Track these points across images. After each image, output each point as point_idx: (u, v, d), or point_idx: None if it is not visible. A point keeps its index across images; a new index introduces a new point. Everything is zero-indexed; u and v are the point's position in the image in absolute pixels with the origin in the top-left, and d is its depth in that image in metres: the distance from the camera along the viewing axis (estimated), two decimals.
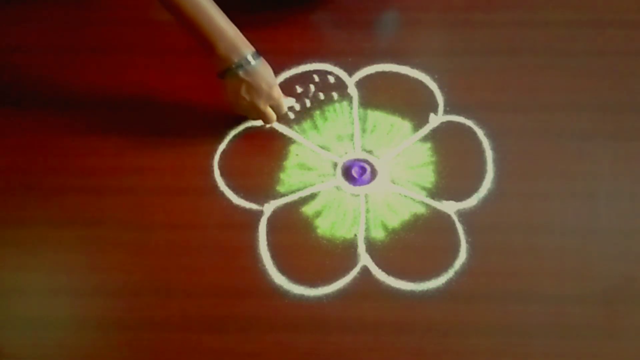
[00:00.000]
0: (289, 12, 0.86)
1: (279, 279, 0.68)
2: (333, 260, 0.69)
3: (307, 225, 0.71)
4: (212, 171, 0.75)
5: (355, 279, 0.68)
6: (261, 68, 0.70)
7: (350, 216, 0.72)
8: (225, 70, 0.70)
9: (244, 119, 0.77)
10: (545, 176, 0.73)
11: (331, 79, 0.81)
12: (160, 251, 0.70)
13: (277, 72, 0.80)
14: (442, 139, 0.76)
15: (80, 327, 0.67)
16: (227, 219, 0.72)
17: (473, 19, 0.85)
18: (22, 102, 0.80)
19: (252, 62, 0.69)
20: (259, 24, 0.83)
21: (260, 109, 0.72)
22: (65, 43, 0.85)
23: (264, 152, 0.76)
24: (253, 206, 0.73)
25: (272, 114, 0.74)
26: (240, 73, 0.69)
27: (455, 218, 0.71)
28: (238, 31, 0.69)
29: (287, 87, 0.79)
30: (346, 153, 0.76)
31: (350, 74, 0.81)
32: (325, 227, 0.71)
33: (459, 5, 0.86)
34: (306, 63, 0.82)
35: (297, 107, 0.79)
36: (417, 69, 0.80)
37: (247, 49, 0.69)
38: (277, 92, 0.73)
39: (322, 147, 0.76)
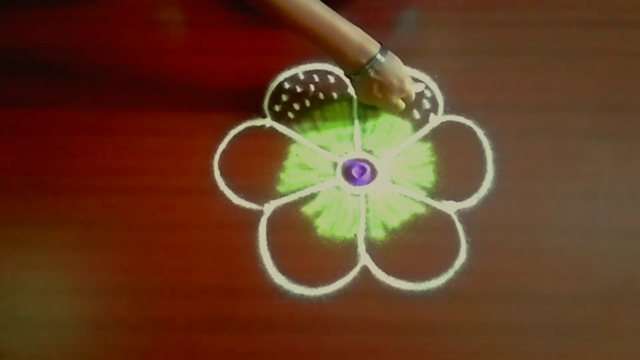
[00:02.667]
0: None
1: (279, 279, 0.68)
2: (333, 260, 0.69)
3: (307, 225, 0.71)
4: (212, 171, 0.75)
5: (355, 279, 0.68)
6: (390, 64, 0.70)
7: (350, 216, 0.72)
8: (355, 73, 0.70)
9: (244, 118, 0.77)
10: (545, 176, 0.73)
11: (331, 79, 0.81)
12: (160, 251, 0.70)
13: (277, 72, 0.81)
14: (442, 139, 0.76)
15: (80, 327, 0.67)
16: (227, 219, 0.72)
17: (473, 19, 0.85)
18: (22, 102, 0.80)
19: (382, 60, 0.69)
20: (260, 24, 0.83)
21: (393, 103, 0.73)
22: (65, 43, 0.84)
23: (264, 152, 0.76)
24: (253, 206, 0.73)
25: (402, 104, 0.74)
26: (371, 73, 0.69)
27: (455, 218, 0.71)
28: (361, 31, 0.69)
29: (287, 87, 0.80)
30: (346, 153, 0.76)
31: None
32: (325, 227, 0.71)
33: (459, 5, 0.86)
34: (306, 63, 0.82)
35: (297, 107, 0.79)
36: (417, 69, 0.80)
37: (374, 48, 0.68)
38: (408, 85, 0.72)
39: (322, 147, 0.76)
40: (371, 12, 0.84)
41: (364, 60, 0.68)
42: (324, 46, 0.68)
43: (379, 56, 0.68)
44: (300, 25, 0.67)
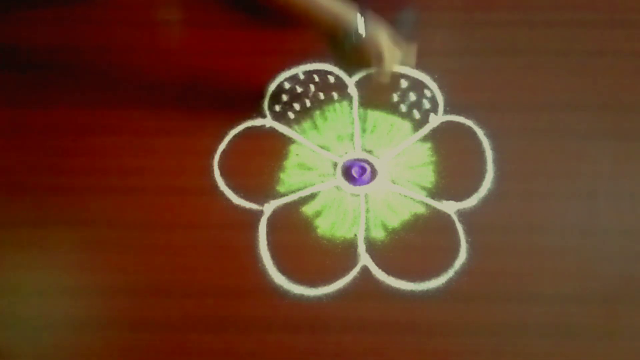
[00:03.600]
0: None
1: (279, 279, 0.68)
2: (333, 260, 0.69)
3: (307, 225, 0.71)
4: (212, 171, 0.75)
5: (355, 279, 0.68)
6: (371, 35, 0.68)
7: (350, 216, 0.72)
8: (336, 44, 0.69)
9: (244, 119, 0.77)
10: (545, 176, 0.73)
11: (331, 79, 0.81)
12: (160, 251, 0.70)
13: (277, 72, 0.81)
14: (442, 139, 0.76)
15: (80, 327, 0.67)
16: (227, 219, 0.72)
17: (473, 19, 0.85)
18: (22, 102, 0.80)
19: (361, 31, 0.67)
20: (260, 24, 0.83)
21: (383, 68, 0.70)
22: (65, 43, 0.84)
23: (264, 152, 0.76)
24: (253, 206, 0.73)
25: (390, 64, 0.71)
26: (350, 44, 0.68)
27: (455, 218, 0.71)
28: (341, 4, 0.68)
29: (287, 87, 0.80)
30: (346, 153, 0.76)
31: (350, 74, 0.80)
32: (325, 227, 0.71)
33: (459, 5, 0.86)
34: (306, 63, 0.82)
35: (297, 107, 0.79)
36: (417, 69, 0.80)
37: (354, 18, 0.67)
38: (389, 53, 0.70)
39: (322, 147, 0.76)
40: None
41: (344, 32, 0.67)
42: (301, 20, 0.68)
43: (359, 27, 0.67)
44: (293, 3, 0.67)
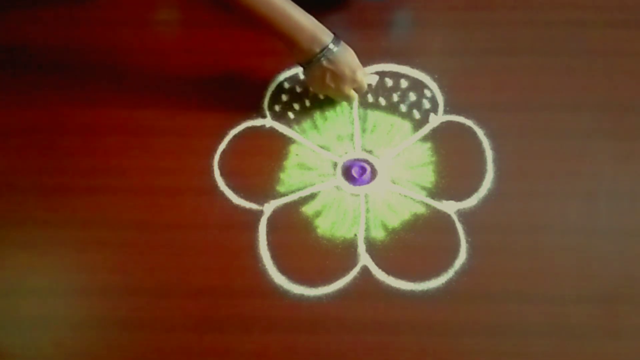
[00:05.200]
0: None
1: (279, 279, 0.68)
2: (333, 260, 0.69)
3: (307, 225, 0.71)
4: (212, 171, 0.75)
5: (355, 279, 0.68)
6: (343, 54, 0.70)
7: (350, 216, 0.72)
8: (308, 62, 0.70)
9: (244, 119, 0.77)
10: (545, 176, 0.73)
11: None
12: (160, 251, 0.70)
13: (277, 72, 0.81)
14: (442, 139, 0.76)
15: (80, 327, 0.67)
16: (227, 219, 0.72)
17: (473, 19, 0.85)
18: (22, 102, 0.80)
19: (334, 49, 0.69)
20: None
21: (345, 93, 0.73)
22: (65, 43, 0.84)
23: (264, 152, 0.76)
24: (253, 206, 0.73)
25: (354, 95, 0.74)
26: (324, 62, 0.69)
27: (455, 218, 0.71)
28: (314, 20, 0.69)
29: (287, 87, 0.80)
30: (346, 153, 0.76)
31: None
32: (325, 227, 0.71)
33: (459, 5, 0.86)
34: None
35: (297, 107, 0.79)
36: (417, 69, 0.80)
37: (327, 37, 0.69)
38: (360, 75, 0.72)
39: (322, 147, 0.76)
40: (370, 12, 0.84)
41: (317, 49, 0.69)
42: (277, 34, 0.69)
43: (331, 45, 0.69)
44: (254, 13, 0.67)
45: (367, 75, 0.75)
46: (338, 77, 0.71)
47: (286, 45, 0.70)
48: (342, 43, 0.71)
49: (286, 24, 0.68)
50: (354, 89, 0.74)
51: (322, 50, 0.69)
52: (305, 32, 0.68)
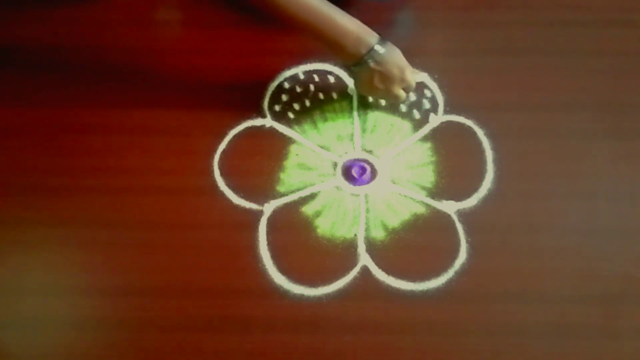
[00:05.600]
0: None
1: (279, 279, 0.68)
2: (333, 260, 0.69)
3: (307, 225, 0.71)
4: (212, 171, 0.75)
5: (355, 279, 0.68)
6: (390, 54, 0.70)
7: (350, 216, 0.72)
8: (355, 65, 0.70)
9: (244, 119, 0.77)
10: (545, 176, 0.73)
11: (331, 79, 0.81)
12: (160, 251, 0.70)
13: (277, 72, 0.81)
14: (442, 139, 0.76)
15: (80, 327, 0.67)
16: (227, 219, 0.72)
17: (473, 19, 0.85)
18: (22, 102, 0.80)
19: (381, 50, 0.69)
20: (260, 24, 0.83)
21: (394, 93, 0.73)
22: (65, 43, 0.84)
23: (264, 152, 0.76)
24: (253, 206, 0.73)
25: (403, 95, 0.74)
26: (371, 64, 0.69)
27: (455, 218, 0.71)
28: (358, 22, 0.69)
29: (287, 87, 0.80)
30: (346, 153, 0.76)
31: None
32: (325, 227, 0.71)
33: (459, 5, 0.86)
34: (306, 63, 0.82)
35: (297, 107, 0.79)
36: (417, 68, 0.80)
37: (373, 39, 0.69)
38: (409, 74, 0.72)
39: (322, 147, 0.76)
40: (371, 12, 0.84)
41: (364, 51, 0.68)
42: (322, 39, 0.68)
43: (377, 47, 0.68)
44: (298, 19, 0.67)
45: (415, 72, 0.75)
46: (387, 77, 0.70)
47: (331, 50, 0.69)
48: (389, 43, 0.70)
49: (331, 29, 0.67)
50: (403, 88, 0.74)
51: (368, 52, 0.68)
52: (350, 35, 0.68)
